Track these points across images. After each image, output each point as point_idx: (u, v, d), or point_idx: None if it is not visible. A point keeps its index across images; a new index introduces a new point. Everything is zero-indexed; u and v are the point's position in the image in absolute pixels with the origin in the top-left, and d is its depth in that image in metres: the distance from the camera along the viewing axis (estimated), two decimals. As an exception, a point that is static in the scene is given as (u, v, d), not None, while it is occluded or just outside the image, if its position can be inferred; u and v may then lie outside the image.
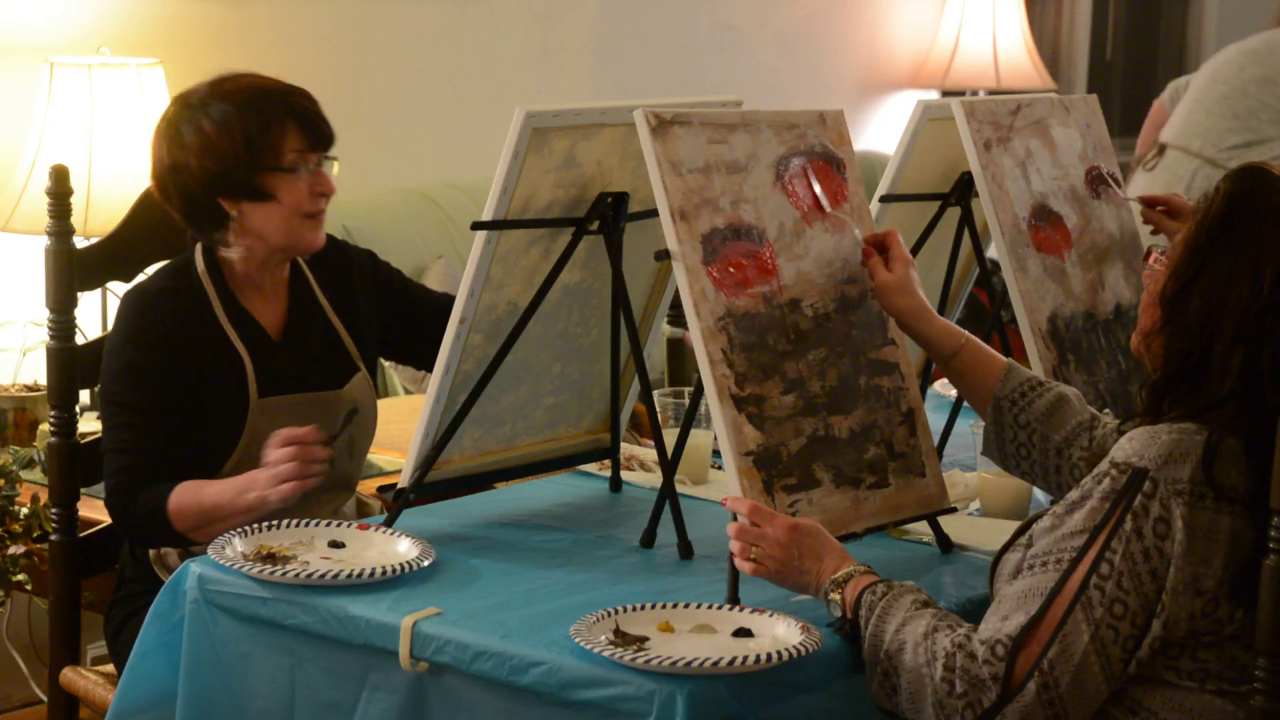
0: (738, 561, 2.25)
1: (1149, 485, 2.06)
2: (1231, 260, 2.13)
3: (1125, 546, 2.05)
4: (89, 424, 3.71)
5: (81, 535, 3.03)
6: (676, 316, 3.55)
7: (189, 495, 2.68)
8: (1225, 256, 2.14)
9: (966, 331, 2.53)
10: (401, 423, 3.71)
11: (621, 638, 2.14)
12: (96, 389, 3.78)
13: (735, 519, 2.26)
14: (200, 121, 2.75)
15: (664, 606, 2.23)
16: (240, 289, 2.83)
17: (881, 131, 6.31)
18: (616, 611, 2.19)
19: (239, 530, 2.47)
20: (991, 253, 2.99)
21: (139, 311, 2.79)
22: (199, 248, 2.84)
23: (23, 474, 3.33)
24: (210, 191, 2.75)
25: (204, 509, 2.66)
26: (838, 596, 2.19)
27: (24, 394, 3.77)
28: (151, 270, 2.97)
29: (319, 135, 2.79)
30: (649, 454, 2.96)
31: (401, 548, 2.45)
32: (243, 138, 2.73)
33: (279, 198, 2.75)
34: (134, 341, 2.77)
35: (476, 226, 2.47)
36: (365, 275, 2.95)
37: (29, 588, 3.22)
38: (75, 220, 3.00)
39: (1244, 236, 2.14)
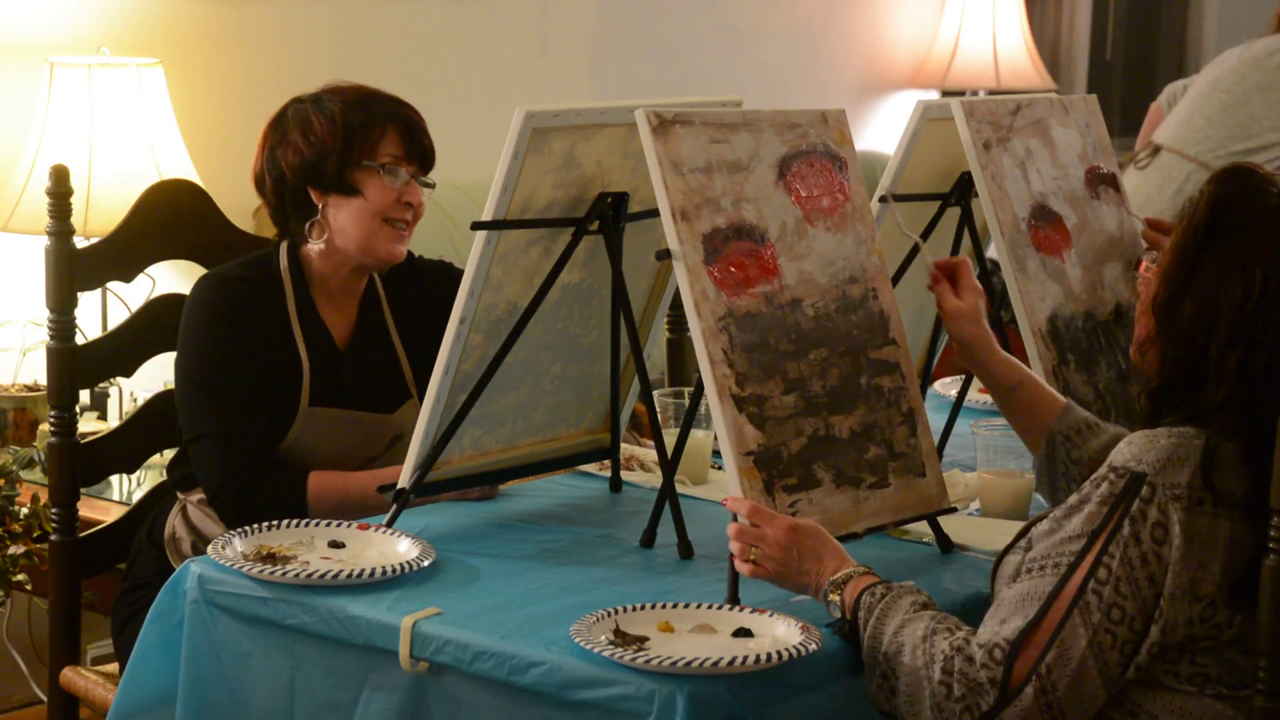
0: (737, 563, 2.24)
1: (1147, 490, 2.06)
2: (1221, 263, 2.12)
3: (1123, 551, 2.05)
4: (89, 424, 3.71)
5: (81, 535, 3.04)
6: (677, 316, 3.56)
7: (330, 485, 2.75)
8: (1214, 260, 2.12)
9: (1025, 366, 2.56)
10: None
11: (621, 638, 2.14)
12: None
13: (735, 519, 2.26)
14: (307, 115, 2.83)
15: (664, 606, 2.23)
16: (316, 293, 2.86)
17: (881, 131, 6.31)
18: (616, 611, 2.19)
19: (239, 531, 2.47)
20: (991, 253, 2.99)
21: (217, 289, 2.83)
22: (283, 245, 2.87)
23: (23, 474, 3.33)
24: (302, 180, 2.82)
25: (349, 499, 2.73)
26: (837, 598, 2.19)
27: (24, 394, 3.77)
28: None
29: (418, 147, 2.85)
30: (649, 454, 2.96)
31: (401, 548, 2.45)
32: (343, 130, 2.80)
33: (366, 195, 2.81)
34: (217, 319, 2.80)
35: (476, 226, 2.47)
36: (437, 285, 2.95)
37: (29, 588, 3.22)
38: (75, 220, 3.00)
39: (1232, 238, 2.12)
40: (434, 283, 2.95)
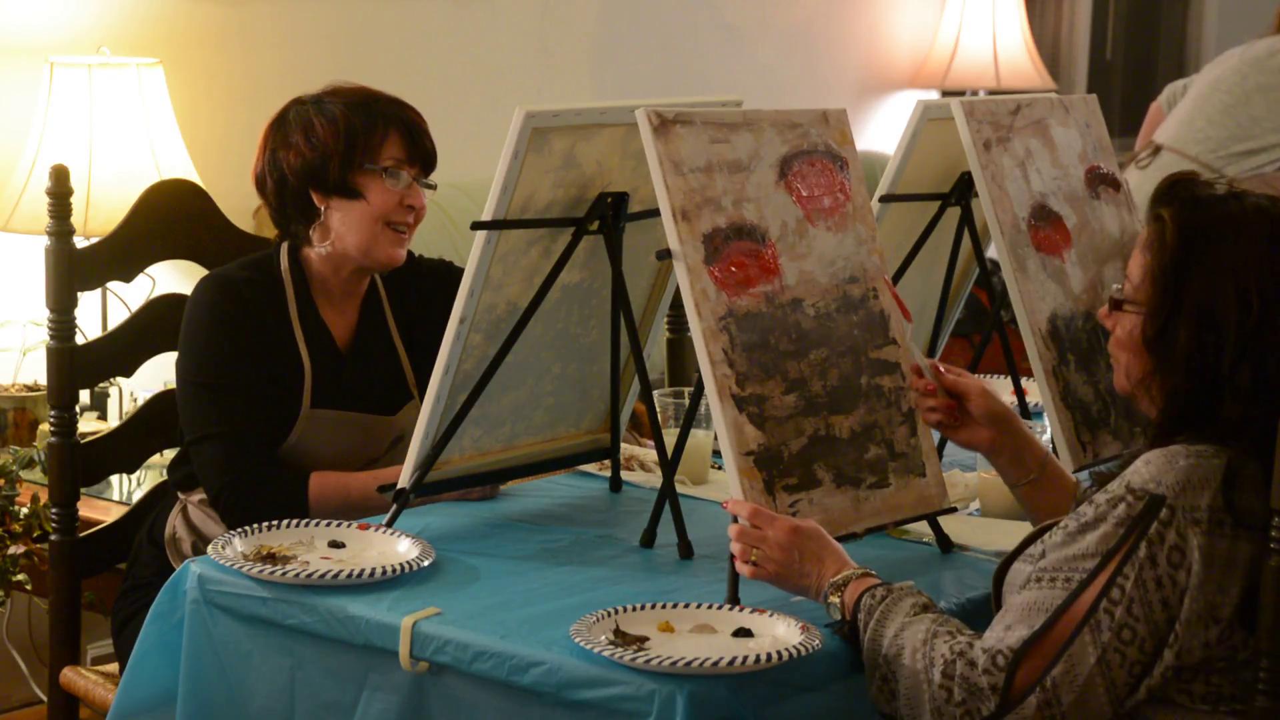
0: (738, 564, 2.24)
1: (1166, 513, 2.03)
2: (1208, 281, 2.09)
3: (1138, 573, 2.03)
4: (89, 424, 3.71)
5: (81, 535, 3.04)
6: (677, 316, 3.56)
7: (331, 487, 2.75)
8: (1200, 280, 2.10)
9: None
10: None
11: (621, 638, 2.14)
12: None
13: (736, 520, 2.26)
14: (309, 117, 2.82)
15: (664, 606, 2.23)
16: (317, 294, 2.86)
17: (881, 131, 6.31)
18: (616, 611, 2.19)
19: (239, 530, 2.47)
20: (991, 253, 2.99)
21: (218, 290, 2.82)
22: (284, 246, 2.86)
23: (23, 474, 3.33)
24: (304, 182, 2.81)
25: (351, 499, 2.73)
26: (837, 599, 2.19)
27: (24, 394, 3.77)
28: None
29: (420, 150, 2.84)
30: (649, 454, 2.95)
31: (401, 548, 2.45)
32: (345, 133, 2.79)
33: (368, 198, 2.80)
34: (219, 320, 2.80)
35: (476, 226, 2.47)
36: (437, 284, 2.95)
37: (29, 588, 3.22)
38: (75, 220, 3.00)
39: (1211, 254, 2.10)
40: (435, 282, 2.95)
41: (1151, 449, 2.11)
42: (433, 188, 2.87)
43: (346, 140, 2.79)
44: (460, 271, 2.86)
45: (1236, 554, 2.04)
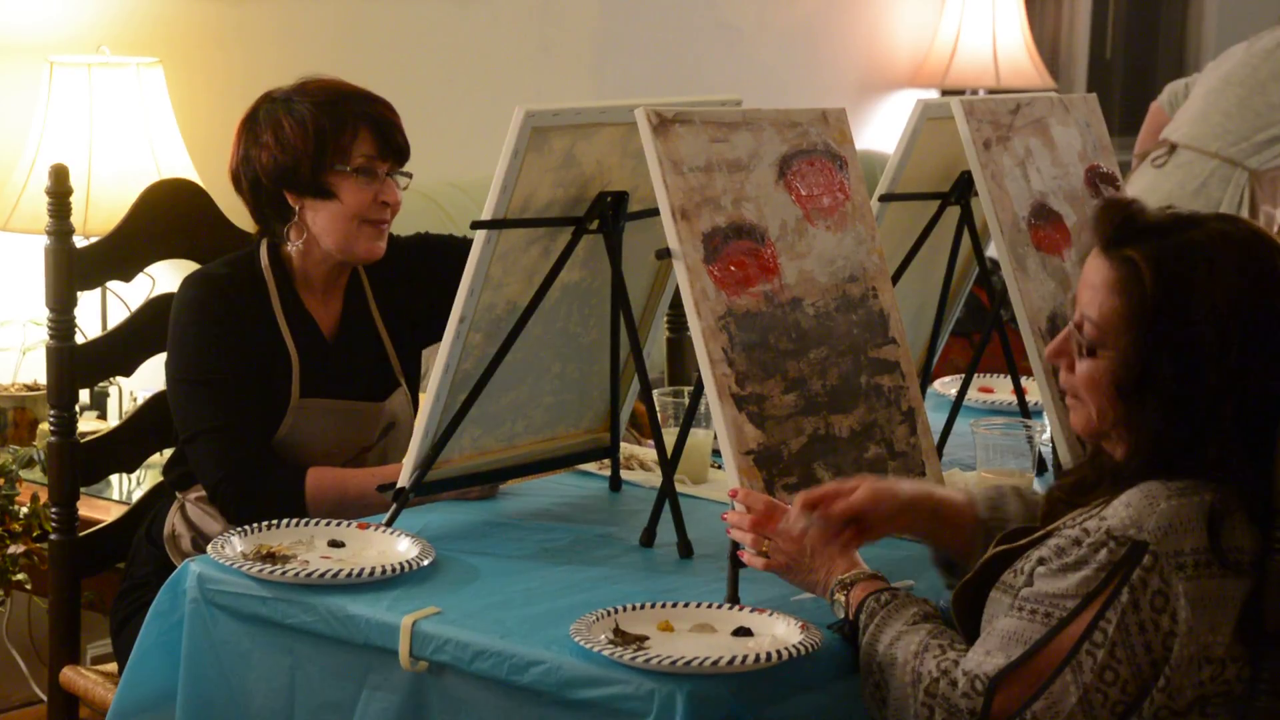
0: (747, 555, 2.23)
1: (1149, 559, 1.98)
2: (1188, 323, 2.00)
3: (1120, 618, 1.98)
4: (89, 423, 3.71)
5: (81, 534, 3.04)
6: (676, 316, 3.56)
7: (328, 482, 2.74)
8: (1180, 322, 2.00)
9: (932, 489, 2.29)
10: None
11: (621, 637, 2.14)
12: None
13: (733, 509, 2.25)
14: (279, 116, 2.81)
15: (664, 606, 2.23)
16: (300, 286, 2.86)
17: (881, 131, 6.31)
18: (616, 611, 2.19)
19: (239, 530, 2.47)
20: (991, 252, 2.99)
21: (204, 287, 2.83)
22: (264, 243, 2.87)
23: (22, 473, 3.33)
24: (277, 184, 2.81)
25: (348, 497, 2.72)
26: (842, 597, 2.18)
27: (24, 393, 3.77)
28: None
29: (392, 145, 2.83)
30: (649, 453, 2.95)
31: (401, 547, 2.45)
32: (315, 134, 2.78)
33: (342, 198, 2.80)
34: (205, 316, 2.80)
35: (476, 225, 2.47)
36: (415, 260, 2.94)
37: (29, 587, 3.22)
38: (75, 219, 3.00)
39: (1190, 295, 2.00)
40: (414, 258, 2.96)
41: (1127, 485, 2.05)
42: (408, 176, 2.86)
43: (316, 142, 2.78)
44: (437, 239, 2.92)
45: (1226, 589, 2.00)
